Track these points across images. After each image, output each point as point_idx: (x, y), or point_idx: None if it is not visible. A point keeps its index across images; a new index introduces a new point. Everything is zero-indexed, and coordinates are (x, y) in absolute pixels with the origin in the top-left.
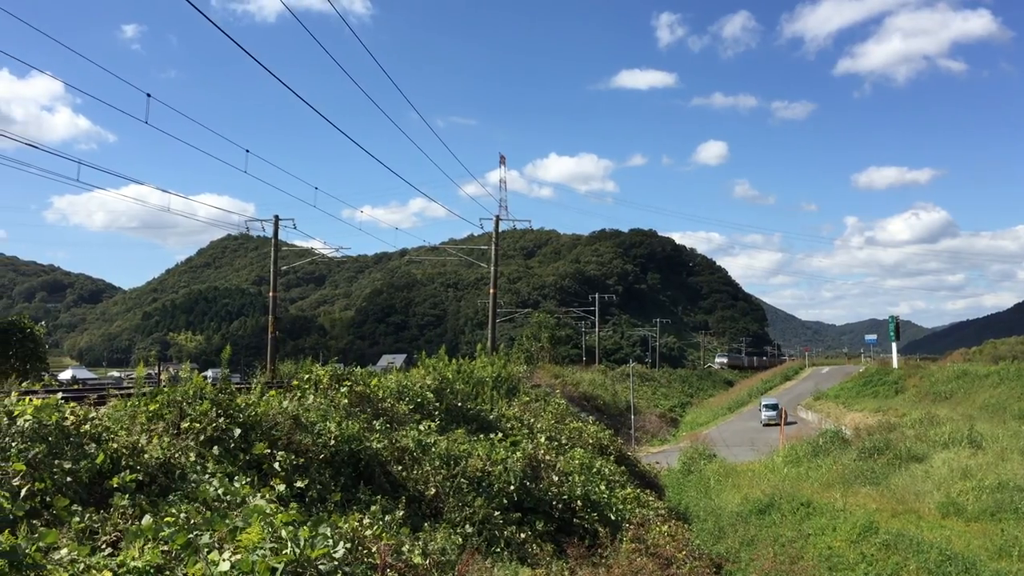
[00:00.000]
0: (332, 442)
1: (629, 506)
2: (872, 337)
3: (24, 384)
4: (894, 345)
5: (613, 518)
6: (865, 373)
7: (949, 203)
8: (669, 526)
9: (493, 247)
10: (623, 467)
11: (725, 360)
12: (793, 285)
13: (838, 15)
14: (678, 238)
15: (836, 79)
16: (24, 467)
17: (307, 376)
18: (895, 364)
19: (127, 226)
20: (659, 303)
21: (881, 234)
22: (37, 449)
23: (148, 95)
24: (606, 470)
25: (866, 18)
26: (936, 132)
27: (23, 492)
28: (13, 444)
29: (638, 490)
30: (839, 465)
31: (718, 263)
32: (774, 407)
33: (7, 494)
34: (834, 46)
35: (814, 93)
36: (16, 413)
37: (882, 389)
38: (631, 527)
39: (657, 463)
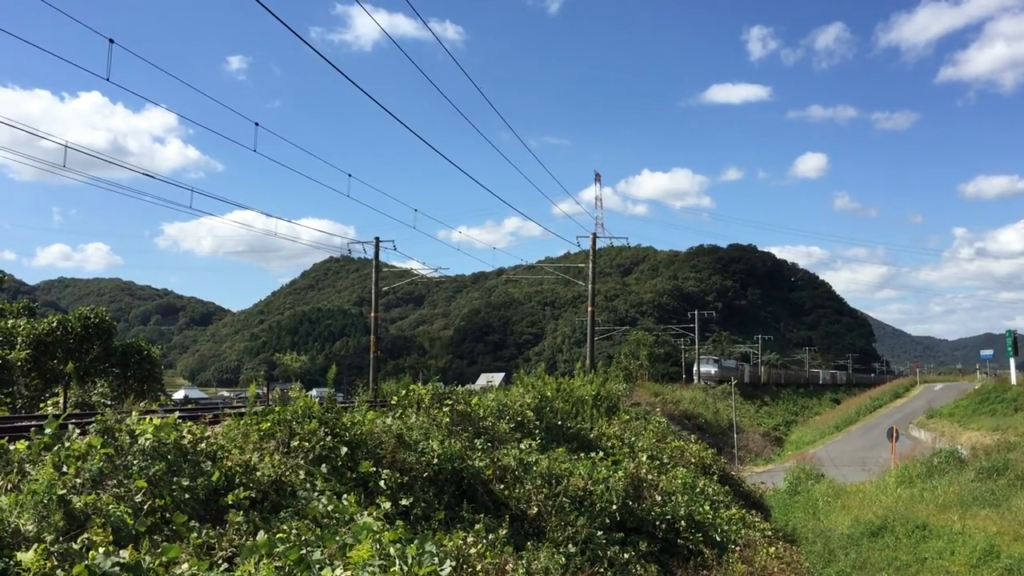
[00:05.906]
0: (435, 460)
1: (735, 527)
2: (988, 352)
3: (143, 404)
4: (1012, 360)
5: (718, 539)
6: (981, 390)
7: None
8: (777, 548)
9: (590, 264)
10: (727, 487)
11: (712, 370)
12: (900, 299)
13: (935, 23)
14: (778, 252)
15: (938, 88)
16: (145, 484)
17: (408, 395)
18: (1014, 380)
19: (233, 250)
20: (760, 319)
21: (993, 245)
22: (157, 467)
23: (256, 124)
24: (710, 490)
25: (965, 25)
26: None
27: (145, 508)
28: (135, 462)
29: (743, 511)
30: (956, 486)
31: (820, 277)
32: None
33: (130, 510)
34: (934, 54)
35: (916, 103)
36: (137, 432)
37: (1000, 407)
38: (737, 548)
39: (762, 483)
